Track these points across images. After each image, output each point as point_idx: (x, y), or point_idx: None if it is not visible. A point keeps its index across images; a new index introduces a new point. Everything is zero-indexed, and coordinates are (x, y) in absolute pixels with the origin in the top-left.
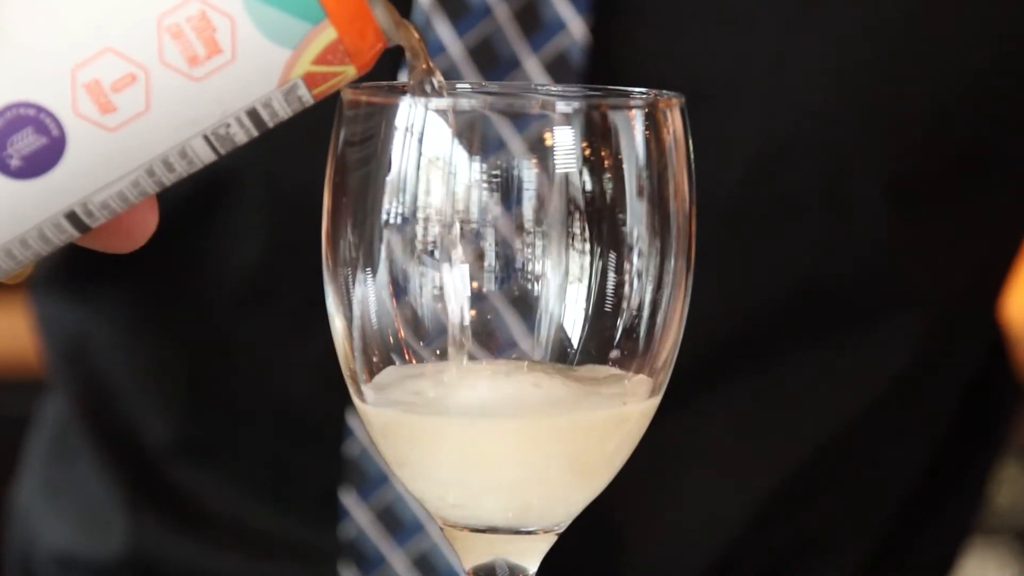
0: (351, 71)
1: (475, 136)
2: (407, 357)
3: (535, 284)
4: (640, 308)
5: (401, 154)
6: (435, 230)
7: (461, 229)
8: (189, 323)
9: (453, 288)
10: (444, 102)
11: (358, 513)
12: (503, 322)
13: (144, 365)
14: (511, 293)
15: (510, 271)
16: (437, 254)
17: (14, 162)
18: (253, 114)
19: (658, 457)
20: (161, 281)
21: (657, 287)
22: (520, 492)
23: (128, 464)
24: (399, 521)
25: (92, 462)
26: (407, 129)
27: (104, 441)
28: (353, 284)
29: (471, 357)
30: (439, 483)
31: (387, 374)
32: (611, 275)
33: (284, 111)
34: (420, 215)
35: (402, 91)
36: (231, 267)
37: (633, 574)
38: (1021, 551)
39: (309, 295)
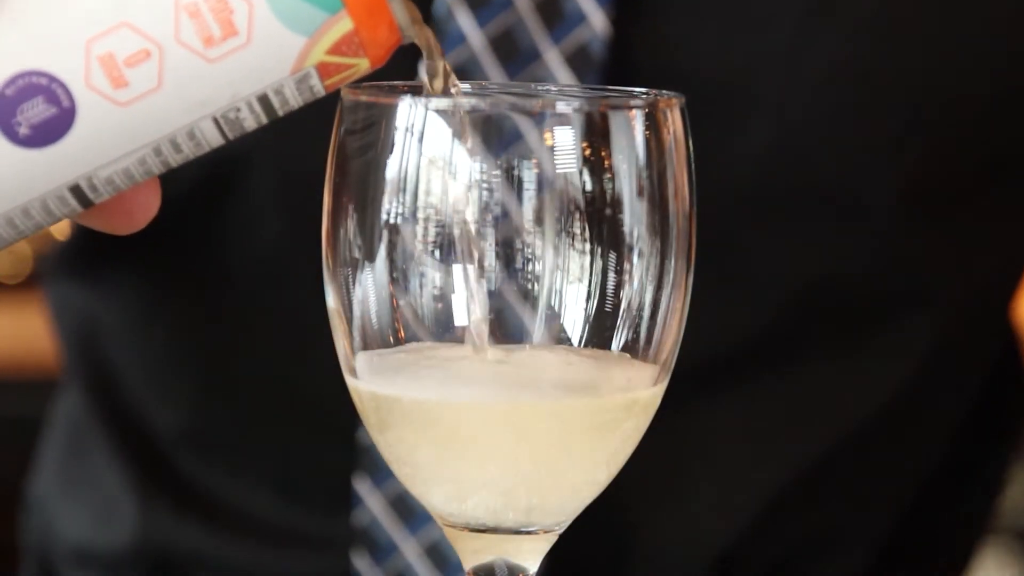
0: (364, 64)
1: (475, 136)
2: None
3: (534, 284)
4: (640, 308)
5: (401, 154)
6: (435, 230)
7: (460, 229)
8: (201, 311)
9: (452, 288)
10: (444, 102)
11: (371, 501)
12: (502, 323)
13: (155, 353)
14: (510, 293)
15: (510, 271)
16: (437, 254)
17: (23, 130)
18: (264, 100)
19: (667, 456)
20: (173, 268)
21: (657, 287)
22: (517, 481)
23: (139, 454)
24: (411, 509)
25: (104, 453)
26: (407, 129)
27: (115, 431)
28: (353, 284)
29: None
30: (438, 476)
31: (382, 359)
32: (611, 275)
33: (295, 100)
34: (421, 215)
35: (403, 91)
36: (243, 254)
37: (641, 572)
38: (1022, 551)
39: (322, 282)
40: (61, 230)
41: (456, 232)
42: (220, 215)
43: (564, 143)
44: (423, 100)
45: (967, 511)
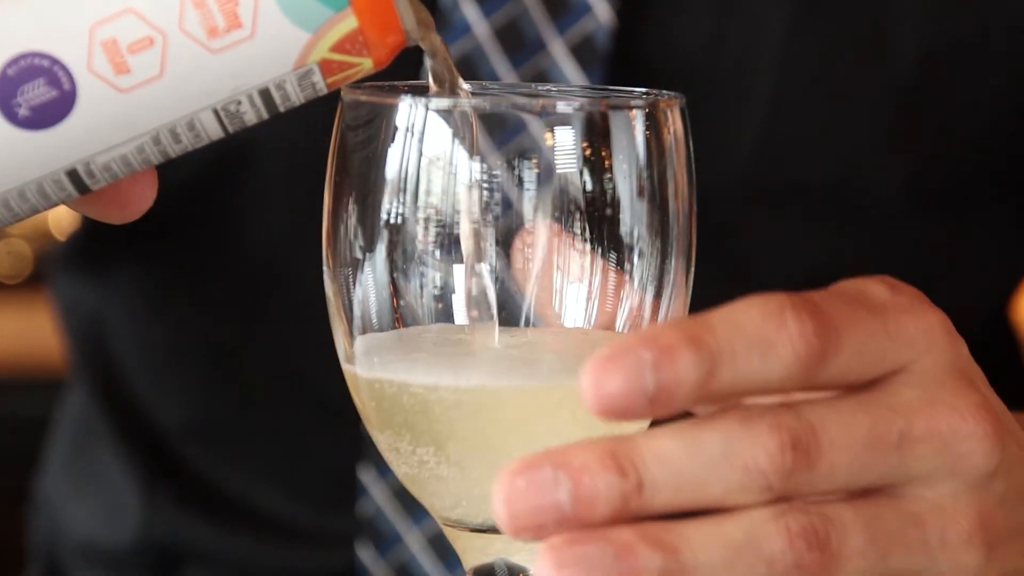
0: (368, 64)
1: (475, 136)
2: None
3: (534, 283)
4: (640, 308)
5: (401, 154)
6: (435, 230)
7: (460, 229)
8: (205, 303)
9: (453, 284)
10: (444, 102)
11: (376, 490)
12: (502, 323)
13: (161, 347)
14: (509, 293)
15: (509, 271)
16: (437, 253)
17: (22, 111)
18: (265, 94)
19: None
20: (177, 262)
21: (658, 287)
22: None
23: (144, 448)
24: (416, 500)
25: (110, 449)
26: (407, 129)
27: (121, 426)
28: (354, 284)
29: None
30: (438, 469)
31: (378, 343)
32: (611, 275)
33: (297, 96)
34: (420, 215)
35: (402, 91)
36: (247, 247)
37: None
38: None
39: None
40: (61, 229)
41: (456, 229)
42: (224, 209)
43: (564, 143)
44: (423, 100)
45: None
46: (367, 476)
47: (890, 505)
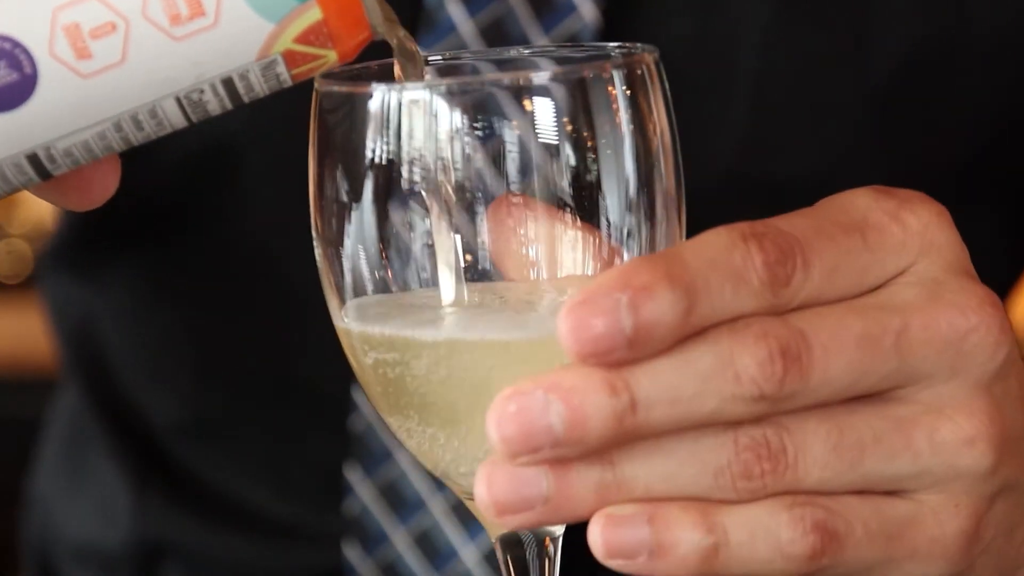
0: (332, 57)
1: (453, 115)
2: None
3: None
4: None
5: (379, 137)
6: (417, 214)
7: (443, 209)
8: (195, 300)
9: (438, 263)
10: (420, 87)
11: (362, 489)
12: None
13: (150, 344)
14: (494, 275)
15: (492, 232)
16: (422, 234)
17: None
18: (228, 84)
19: None
20: (167, 259)
21: (651, 236)
22: None
23: (134, 447)
24: (402, 498)
25: (101, 448)
26: (383, 114)
27: (111, 424)
28: (343, 241)
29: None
30: (453, 430)
31: (375, 305)
32: (595, 249)
33: (261, 87)
34: (402, 194)
35: (376, 76)
36: (236, 244)
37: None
38: None
39: (313, 269)
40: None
41: (439, 212)
42: (213, 207)
43: (542, 111)
44: (398, 85)
45: None
46: (353, 475)
47: (871, 411)
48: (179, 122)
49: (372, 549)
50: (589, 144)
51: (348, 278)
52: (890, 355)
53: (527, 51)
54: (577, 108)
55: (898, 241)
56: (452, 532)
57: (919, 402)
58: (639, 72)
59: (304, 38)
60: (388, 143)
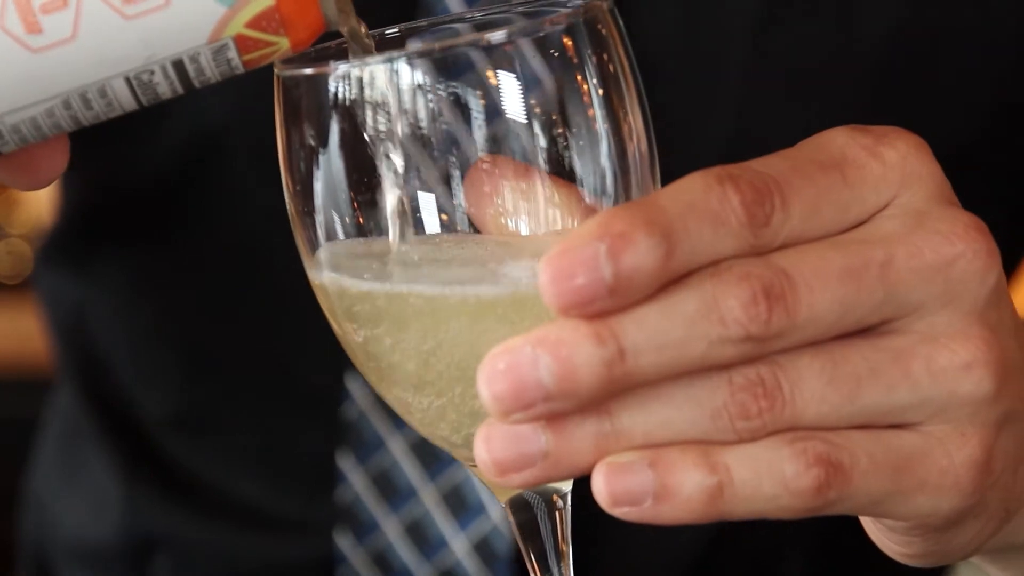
0: (284, 44)
1: (415, 87)
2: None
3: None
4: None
5: (342, 120)
6: (389, 196)
7: (413, 178)
8: (186, 292)
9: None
10: (380, 60)
11: (354, 477)
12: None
13: (142, 337)
14: (466, 249)
15: (462, 220)
16: (391, 215)
17: None
18: (179, 66)
19: None
20: (157, 254)
21: (625, 183)
22: None
23: (125, 440)
24: (394, 486)
25: (94, 443)
26: (344, 94)
27: (103, 418)
28: (312, 192)
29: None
30: (446, 387)
31: (345, 250)
32: (574, 201)
33: (212, 71)
34: (373, 176)
35: (334, 56)
36: (226, 237)
37: (614, 572)
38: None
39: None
40: None
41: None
42: (201, 198)
43: (503, 70)
44: (358, 64)
45: None
46: (345, 463)
47: (865, 344)
48: (129, 104)
49: (363, 538)
50: (551, 95)
51: (320, 232)
52: (876, 286)
53: (480, 14)
54: (534, 61)
55: (878, 175)
56: (443, 521)
57: (914, 332)
58: (594, 22)
59: (256, 23)
60: (351, 115)
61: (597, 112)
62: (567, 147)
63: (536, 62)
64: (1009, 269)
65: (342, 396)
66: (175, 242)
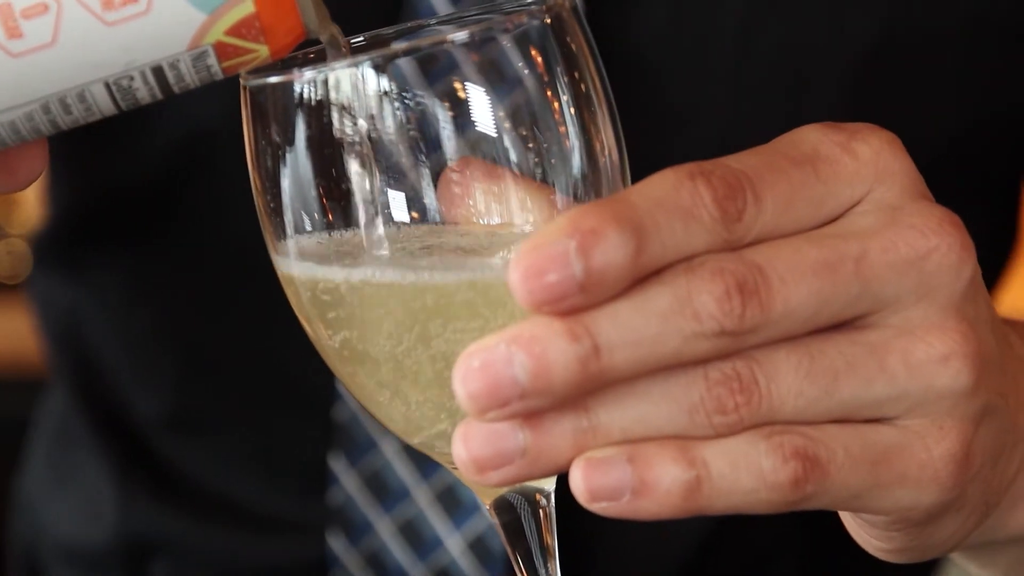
0: (264, 52)
1: (381, 92)
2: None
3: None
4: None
5: (310, 126)
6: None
7: (379, 178)
8: (177, 295)
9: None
10: (346, 65)
11: (346, 479)
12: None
13: (134, 339)
14: (435, 239)
15: (432, 217)
16: (358, 212)
17: None
18: (159, 72)
19: None
20: (150, 255)
21: (594, 172)
22: None
23: (118, 441)
24: (386, 487)
25: (87, 445)
26: (312, 100)
27: (97, 421)
28: (280, 184)
29: None
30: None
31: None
32: (541, 212)
33: (191, 78)
34: (343, 180)
35: (302, 63)
36: (219, 238)
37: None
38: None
39: None
40: None
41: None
42: (194, 199)
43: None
44: (324, 69)
45: None
46: (337, 465)
47: (841, 338)
48: (108, 108)
49: (356, 539)
50: (516, 94)
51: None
52: (851, 281)
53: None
54: (496, 60)
55: (851, 171)
56: (437, 521)
57: (890, 326)
58: (557, 19)
59: (236, 31)
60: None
61: (565, 113)
62: (531, 149)
63: (500, 62)
64: (999, 267)
65: (333, 397)
66: (168, 244)
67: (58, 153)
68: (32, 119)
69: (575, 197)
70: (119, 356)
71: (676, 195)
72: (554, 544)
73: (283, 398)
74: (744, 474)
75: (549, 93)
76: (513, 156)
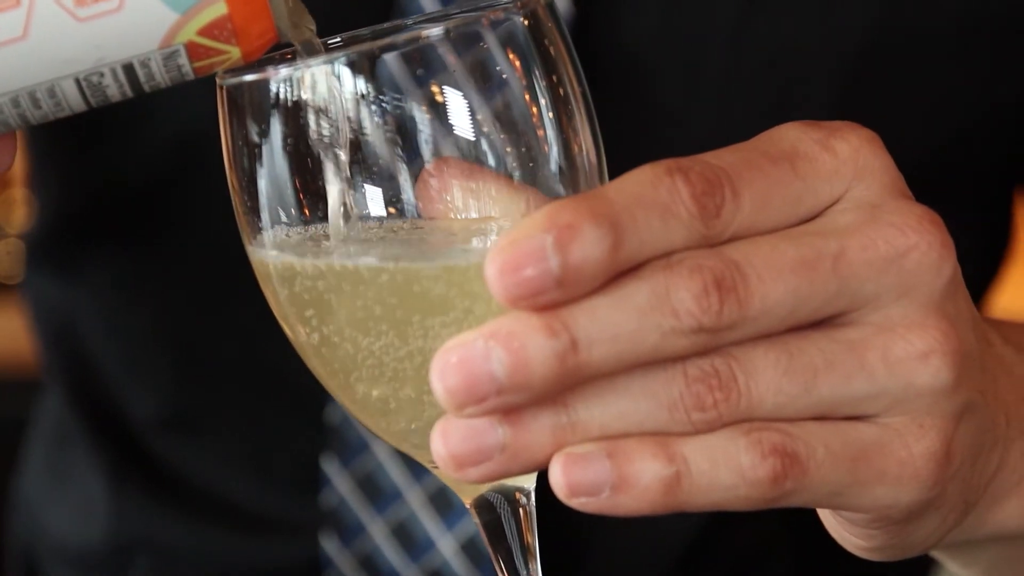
0: (236, 53)
1: (357, 91)
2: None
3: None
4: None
5: (286, 124)
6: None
7: (360, 181)
8: (171, 295)
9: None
10: (322, 63)
11: (339, 481)
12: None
13: (128, 339)
14: (410, 231)
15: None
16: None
17: None
18: (129, 70)
19: None
20: (145, 255)
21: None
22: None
23: (112, 442)
24: (379, 489)
25: (81, 446)
26: (288, 98)
27: (90, 420)
28: (257, 179)
29: None
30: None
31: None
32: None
33: (162, 77)
34: (319, 178)
35: (277, 62)
36: (212, 236)
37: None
38: None
39: None
40: None
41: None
42: (188, 198)
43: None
44: (301, 66)
45: None
46: (330, 467)
47: (821, 336)
48: (78, 105)
49: (349, 541)
50: (493, 90)
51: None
52: (829, 278)
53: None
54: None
55: (830, 168)
56: (429, 523)
57: (870, 324)
58: (532, 17)
59: (208, 31)
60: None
61: (541, 111)
62: (508, 147)
63: (475, 60)
64: (993, 267)
65: (326, 399)
66: (162, 244)
67: (47, 152)
68: (1, 112)
69: (553, 195)
70: (112, 356)
71: (654, 191)
72: (535, 543)
73: (276, 399)
74: (723, 470)
75: (526, 91)
76: (489, 154)
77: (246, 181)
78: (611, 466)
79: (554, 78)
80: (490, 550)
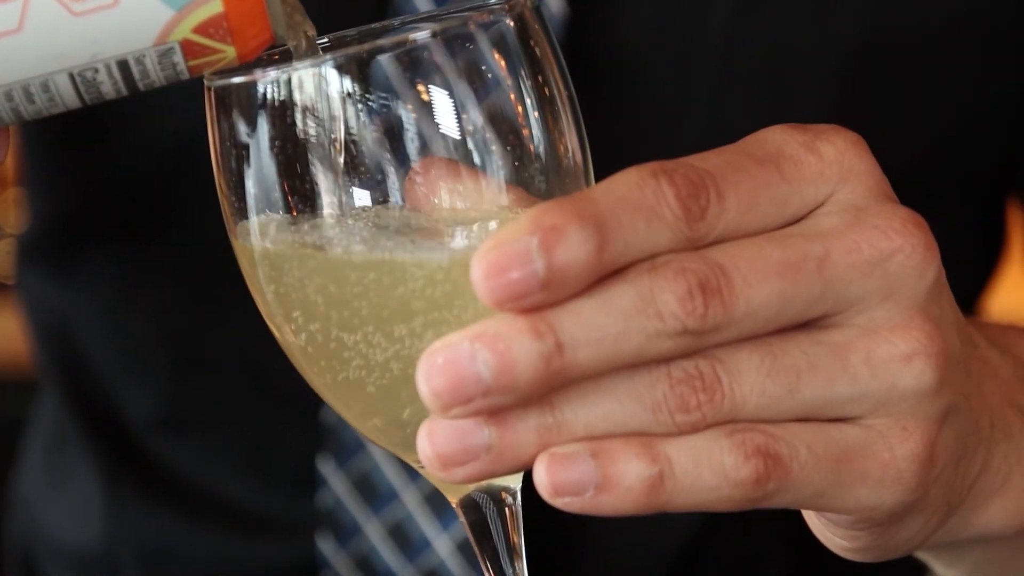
0: (231, 53)
1: (344, 93)
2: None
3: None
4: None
5: (273, 126)
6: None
7: (347, 182)
8: (168, 296)
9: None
10: (308, 65)
11: (335, 481)
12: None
13: (124, 340)
14: (396, 222)
15: (392, 221)
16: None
17: None
18: (124, 66)
19: None
20: (140, 255)
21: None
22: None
23: (108, 442)
24: (375, 489)
25: (78, 447)
26: (276, 100)
27: (86, 421)
28: (244, 172)
29: None
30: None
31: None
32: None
33: (156, 74)
34: (306, 179)
35: (265, 63)
36: (208, 236)
37: (596, 573)
38: None
39: None
40: None
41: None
42: (184, 199)
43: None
44: (286, 69)
45: None
46: (326, 467)
47: (804, 338)
48: (72, 101)
49: (346, 541)
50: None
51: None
52: (813, 281)
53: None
54: (458, 59)
55: (815, 171)
56: (425, 523)
57: (854, 326)
58: (519, 19)
59: (203, 29)
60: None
61: (527, 112)
62: (494, 147)
63: (462, 61)
64: (986, 269)
65: (321, 400)
66: (158, 244)
67: (42, 151)
68: None
69: (538, 195)
70: (108, 356)
71: (639, 193)
72: (521, 543)
73: (272, 400)
74: (706, 471)
75: (512, 92)
76: (475, 154)
77: (234, 182)
78: (595, 466)
79: (540, 79)
80: (476, 549)
